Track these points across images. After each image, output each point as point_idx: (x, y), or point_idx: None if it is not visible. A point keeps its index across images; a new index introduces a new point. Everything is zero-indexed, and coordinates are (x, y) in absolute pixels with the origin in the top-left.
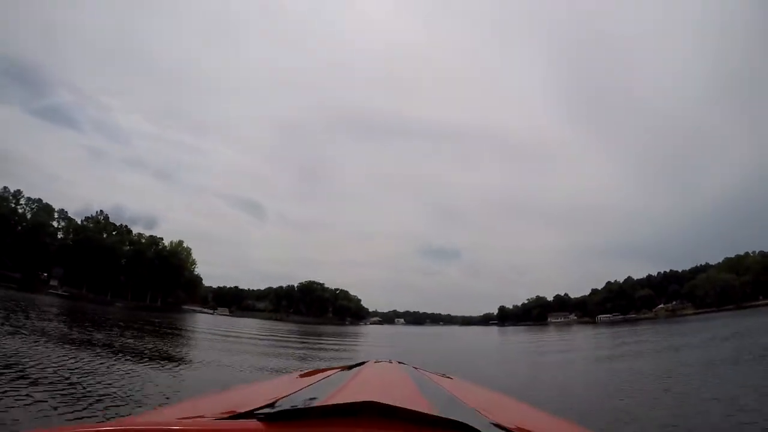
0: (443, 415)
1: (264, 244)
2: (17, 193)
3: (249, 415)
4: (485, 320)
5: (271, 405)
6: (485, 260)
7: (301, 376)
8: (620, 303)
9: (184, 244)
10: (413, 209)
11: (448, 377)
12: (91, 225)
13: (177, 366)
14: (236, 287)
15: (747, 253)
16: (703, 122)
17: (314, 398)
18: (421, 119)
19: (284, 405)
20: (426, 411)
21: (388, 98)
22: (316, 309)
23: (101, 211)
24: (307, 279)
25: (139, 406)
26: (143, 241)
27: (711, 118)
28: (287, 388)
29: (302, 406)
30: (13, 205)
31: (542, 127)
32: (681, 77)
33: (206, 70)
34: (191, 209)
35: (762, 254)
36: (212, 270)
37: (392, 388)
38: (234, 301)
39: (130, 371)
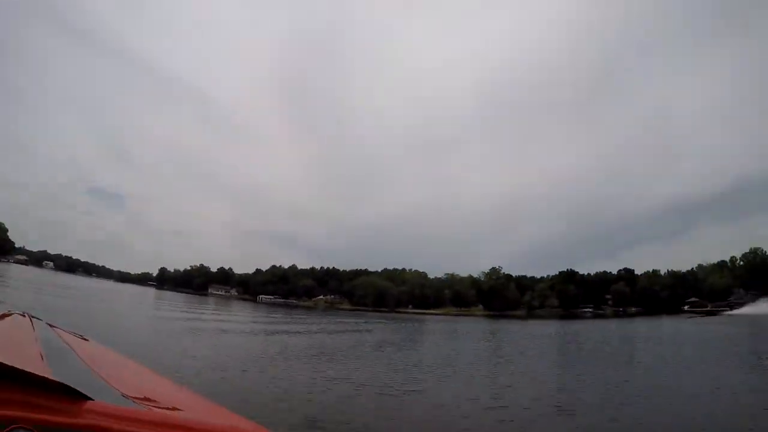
0: (55, 378)
1: None
2: None
3: None
4: (143, 280)
5: None
6: (151, 215)
7: None
8: (283, 287)
9: None
10: (85, 136)
11: (84, 338)
12: None
13: None
14: None
15: (404, 269)
16: (389, 156)
17: None
18: (124, 44)
19: None
20: (38, 372)
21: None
22: None
23: None
24: None
25: None
26: None
27: (395, 157)
28: None
29: None
30: None
31: (253, 104)
32: (388, 115)
33: None
34: None
35: (416, 272)
36: None
37: (11, 343)
38: None
39: None
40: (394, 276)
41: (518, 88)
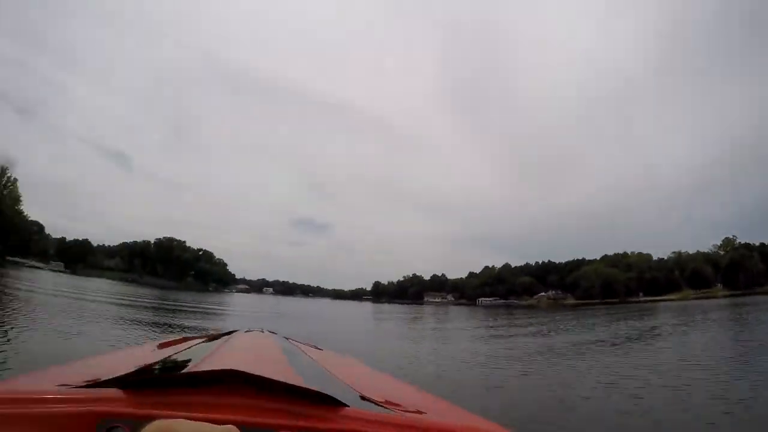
0: (308, 386)
1: (128, 200)
2: None
3: (110, 383)
4: (357, 295)
5: (134, 373)
6: (354, 237)
7: (165, 344)
8: (499, 288)
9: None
10: (287, 178)
11: (319, 348)
12: None
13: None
14: (86, 240)
15: (626, 252)
16: (571, 135)
17: (179, 366)
18: (304, 89)
19: (147, 373)
20: (292, 382)
21: (274, 63)
22: (174, 271)
23: None
24: (167, 235)
25: None
26: None
27: (580, 134)
28: (152, 357)
29: (164, 375)
30: None
31: (423, 116)
32: (561, 92)
33: None
34: (51, 152)
35: (639, 254)
36: (72, 225)
37: (260, 357)
38: (80, 257)
39: None
40: (616, 261)
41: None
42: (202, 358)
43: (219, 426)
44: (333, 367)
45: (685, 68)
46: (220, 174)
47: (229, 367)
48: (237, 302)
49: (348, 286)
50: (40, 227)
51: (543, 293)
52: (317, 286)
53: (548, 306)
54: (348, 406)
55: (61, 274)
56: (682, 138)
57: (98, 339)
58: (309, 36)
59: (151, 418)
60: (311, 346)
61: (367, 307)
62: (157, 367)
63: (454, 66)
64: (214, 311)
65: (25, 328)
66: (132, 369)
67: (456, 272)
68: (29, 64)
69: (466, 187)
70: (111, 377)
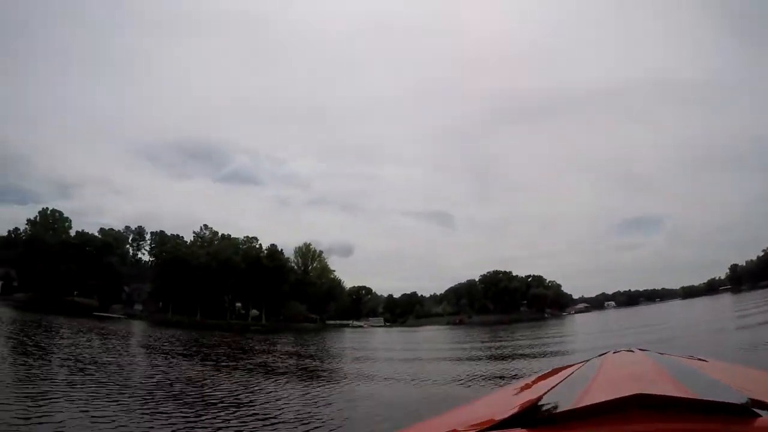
0: (711, 398)
1: (454, 252)
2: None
3: (506, 424)
4: (711, 288)
5: (527, 411)
6: (688, 222)
7: (543, 377)
8: None
9: (312, 247)
10: (593, 184)
11: (702, 359)
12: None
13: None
14: (414, 293)
15: None
16: None
17: (567, 398)
18: (573, 88)
19: (540, 409)
20: (692, 396)
21: (536, 77)
22: (504, 303)
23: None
24: (489, 269)
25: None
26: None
27: None
28: (535, 392)
29: (560, 409)
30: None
31: (713, 63)
32: None
33: (355, 100)
34: (381, 231)
35: None
36: (403, 286)
37: (645, 377)
38: (409, 309)
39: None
40: None
41: None
42: (587, 386)
43: None
44: (723, 377)
45: None
46: (529, 203)
47: (627, 392)
48: (575, 323)
49: (700, 279)
50: (367, 290)
51: None
52: (662, 288)
53: None
54: (759, 416)
55: (376, 329)
56: None
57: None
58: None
59: None
60: (692, 358)
61: (720, 301)
62: (545, 401)
63: None
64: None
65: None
66: (523, 406)
67: None
68: (337, 169)
69: None
70: (502, 418)
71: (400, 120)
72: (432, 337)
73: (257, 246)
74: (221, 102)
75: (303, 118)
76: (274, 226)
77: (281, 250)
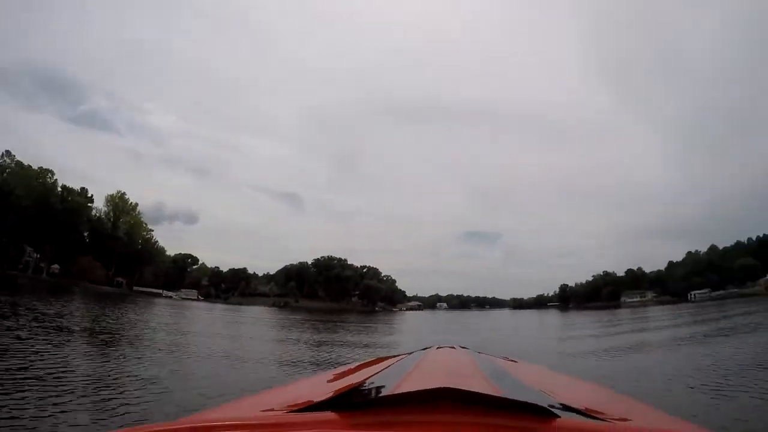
0: (516, 398)
1: (302, 236)
2: None
3: (322, 406)
4: (540, 303)
5: (343, 395)
6: (527, 243)
7: (364, 365)
8: (711, 277)
9: (128, 197)
10: (452, 193)
11: (513, 360)
12: None
13: None
14: (244, 269)
15: None
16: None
17: (384, 387)
18: (458, 100)
19: (356, 395)
20: (498, 394)
21: (423, 81)
22: (336, 291)
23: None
24: (326, 254)
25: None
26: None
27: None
28: (354, 378)
29: (375, 396)
30: None
31: (581, 102)
32: (730, 37)
33: (234, 66)
34: (230, 204)
35: None
36: (246, 262)
37: (460, 373)
38: (235, 285)
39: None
40: None
41: None
42: (404, 376)
43: None
44: (532, 378)
45: None
46: (385, 199)
47: (436, 385)
48: (405, 319)
49: (529, 293)
50: (194, 259)
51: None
52: (493, 297)
53: None
54: (557, 416)
55: (190, 303)
56: None
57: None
58: (446, 49)
59: None
60: (506, 359)
61: (547, 318)
62: (363, 388)
63: (601, 43)
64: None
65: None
66: (339, 391)
67: (645, 267)
68: (199, 133)
69: (634, 176)
70: (319, 400)
71: (274, 95)
72: (255, 319)
73: (52, 181)
74: (92, 37)
75: (176, 71)
76: (121, 179)
77: (90, 194)
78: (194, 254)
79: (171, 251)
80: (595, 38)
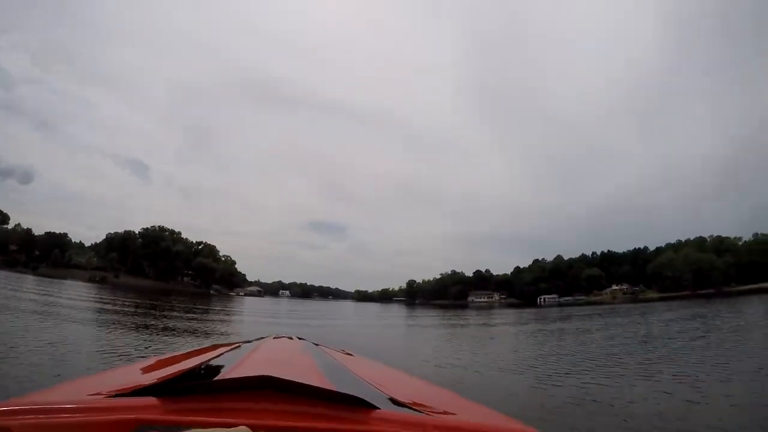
0: (340, 390)
1: (145, 208)
2: None
3: (144, 391)
4: (385, 297)
5: (169, 381)
6: (372, 239)
7: (197, 352)
8: (557, 283)
9: None
10: (304, 184)
11: (348, 353)
12: None
13: None
14: (64, 234)
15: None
16: (598, 135)
17: (211, 373)
18: (325, 96)
19: (181, 381)
20: (323, 386)
21: (290, 70)
22: (165, 269)
23: None
24: (155, 224)
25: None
26: None
27: (605, 133)
28: (183, 365)
29: (198, 381)
30: None
31: (447, 120)
32: (586, 92)
33: (99, 13)
34: (71, 165)
35: (717, 237)
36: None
37: (291, 363)
38: (48, 254)
39: None
40: (701, 246)
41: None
42: (235, 364)
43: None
44: (363, 372)
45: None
46: (238, 181)
47: (261, 373)
48: (244, 305)
49: (373, 286)
50: (4, 216)
51: (616, 287)
52: (336, 288)
53: (625, 301)
54: (378, 409)
55: None
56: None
57: None
58: (319, 39)
59: (186, 425)
60: (341, 352)
61: (390, 311)
62: (189, 374)
63: (478, 65)
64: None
65: None
66: (163, 377)
67: (494, 270)
68: (51, 82)
69: (487, 188)
70: (143, 385)
71: (139, 51)
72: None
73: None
74: None
75: (35, 4)
76: None
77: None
78: (26, 220)
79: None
80: (471, 61)
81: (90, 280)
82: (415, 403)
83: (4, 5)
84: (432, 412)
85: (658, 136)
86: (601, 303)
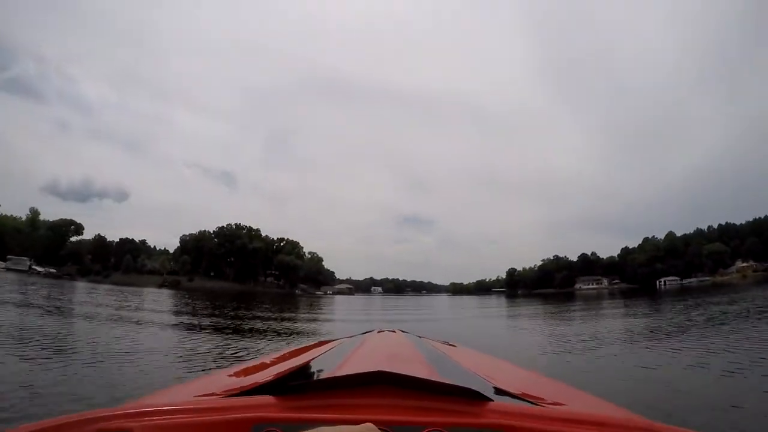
0: (451, 382)
1: (231, 214)
2: None
3: (260, 389)
4: (482, 288)
5: (280, 379)
6: (463, 231)
7: (305, 349)
8: (674, 263)
9: None
10: (386, 178)
11: (452, 345)
12: None
13: None
14: (143, 241)
15: None
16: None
17: (323, 370)
18: (396, 86)
19: (294, 378)
20: (435, 379)
21: (362, 64)
22: (244, 270)
23: None
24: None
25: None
26: None
27: (687, 100)
28: (293, 362)
29: (312, 379)
30: None
31: (518, 99)
32: (661, 58)
33: (167, 34)
34: (162, 181)
35: None
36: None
37: (399, 357)
38: (121, 260)
39: None
40: None
41: None
42: (344, 359)
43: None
44: (470, 363)
45: None
46: (321, 181)
47: (373, 368)
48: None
49: (468, 278)
50: (78, 226)
51: (741, 262)
52: (429, 282)
53: (759, 281)
54: (491, 400)
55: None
56: None
57: None
58: (388, 32)
59: (304, 422)
60: (445, 343)
61: (489, 303)
62: (301, 371)
63: (548, 43)
64: None
65: None
66: (276, 375)
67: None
68: (129, 104)
69: (573, 172)
70: (258, 384)
71: (210, 64)
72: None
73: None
74: None
75: (105, 33)
76: (47, 151)
77: None
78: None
79: (102, 231)
80: (539, 37)
81: (162, 285)
82: (524, 394)
83: (76, 36)
84: (543, 402)
85: (745, 93)
86: (730, 284)
